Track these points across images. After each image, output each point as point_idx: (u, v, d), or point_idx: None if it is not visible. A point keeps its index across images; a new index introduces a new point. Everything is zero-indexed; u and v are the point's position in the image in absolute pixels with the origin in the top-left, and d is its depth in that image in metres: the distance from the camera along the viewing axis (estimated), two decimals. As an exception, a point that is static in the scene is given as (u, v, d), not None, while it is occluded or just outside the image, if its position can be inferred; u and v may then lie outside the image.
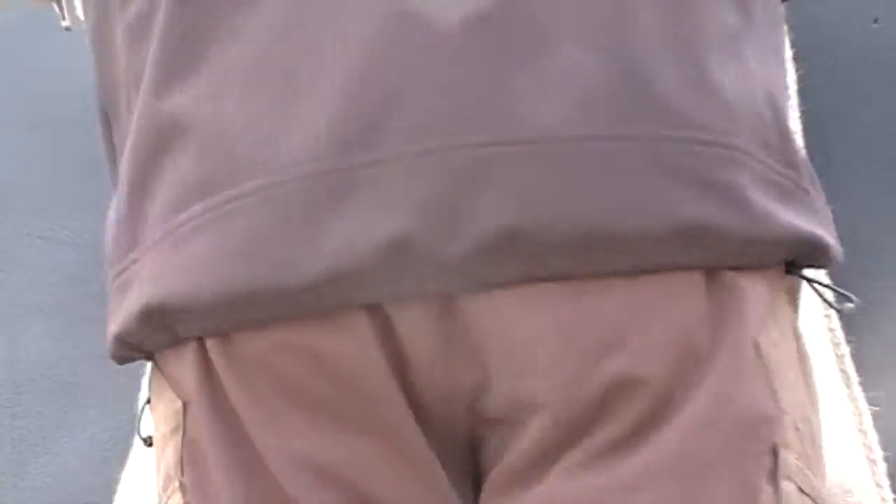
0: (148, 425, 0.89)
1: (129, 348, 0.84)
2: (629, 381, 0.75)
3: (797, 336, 0.84)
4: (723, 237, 0.75)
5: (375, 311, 0.77)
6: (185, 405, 0.81)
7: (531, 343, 0.76)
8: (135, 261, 0.82)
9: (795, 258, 0.82)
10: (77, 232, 1.73)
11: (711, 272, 0.77)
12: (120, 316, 0.83)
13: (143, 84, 0.82)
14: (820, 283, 0.85)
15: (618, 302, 0.75)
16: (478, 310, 0.76)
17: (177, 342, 0.81)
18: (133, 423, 0.88)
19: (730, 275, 0.77)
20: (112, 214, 0.86)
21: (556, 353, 0.76)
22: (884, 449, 1.28)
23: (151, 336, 0.81)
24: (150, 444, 0.88)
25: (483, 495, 0.82)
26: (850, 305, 0.84)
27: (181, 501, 0.82)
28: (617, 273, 0.74)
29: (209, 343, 0.79)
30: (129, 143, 0.83)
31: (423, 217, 0.73)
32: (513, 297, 0.75)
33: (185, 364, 0.81)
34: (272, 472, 0.79)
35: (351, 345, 0.77)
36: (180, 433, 0.82)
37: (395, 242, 0.73)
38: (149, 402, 0.88)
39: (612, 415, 0.76)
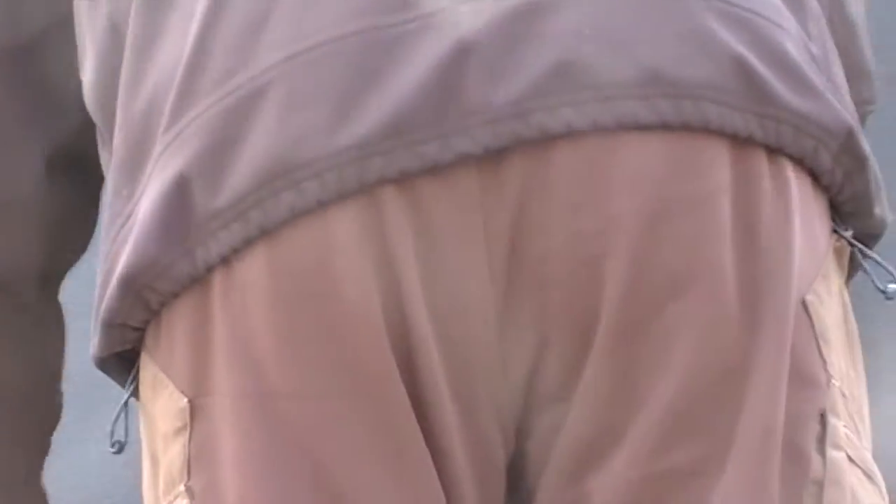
0: (120, 429, 0.84)
1: (131, 306, 0.78)
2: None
3: (844, 302, 0.80)
4: (773, 94, 0.74)
5: (406, 188, 0.72)
6: (191, 402, 0.76)
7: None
8: (136, 202, 0.77)
9: (839, 201, 0.79)
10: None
11: (772, 153, 0.74)
12: (128, 251, 0.76)
13: None
14: (865, 251, 0.82)
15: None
16: (531, 180, 0.73)
17: (190, 282, 0.75)
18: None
19: (781, 160, 0.75)
20: (112, 194, 0.82)
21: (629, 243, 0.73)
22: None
23: (168, 267, 0.75)
24: (120, 451, 0.83)
25: (543, 481, 0.77)
26: (894, 287, 0.80)
27: None
28: (685, 126, 0.72)
29: (216, 277, 0.73)
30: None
31: (473, 55, 0.71)
32: (582, 152, 0.72)
33: (186, 341, 0.76)
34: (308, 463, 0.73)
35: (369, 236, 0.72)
36: (187, 433, 0.77)
37: (445, 75, 0.71)
38: (126, 404, 0.83)
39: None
